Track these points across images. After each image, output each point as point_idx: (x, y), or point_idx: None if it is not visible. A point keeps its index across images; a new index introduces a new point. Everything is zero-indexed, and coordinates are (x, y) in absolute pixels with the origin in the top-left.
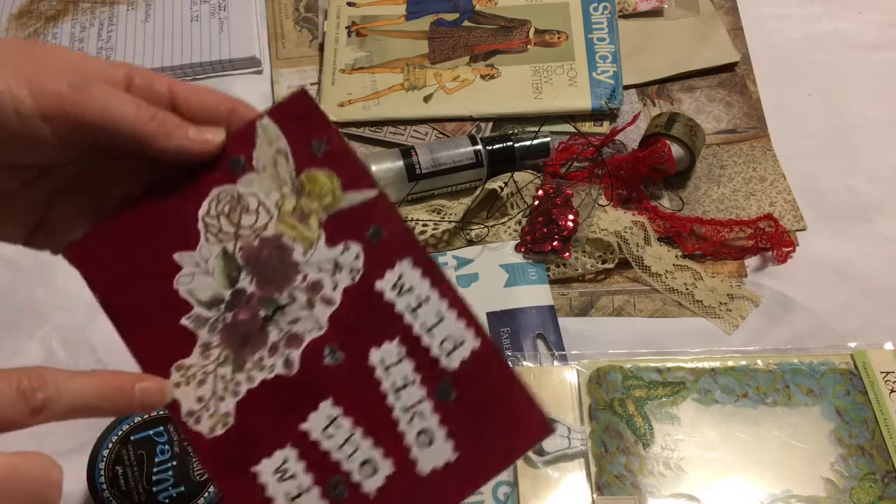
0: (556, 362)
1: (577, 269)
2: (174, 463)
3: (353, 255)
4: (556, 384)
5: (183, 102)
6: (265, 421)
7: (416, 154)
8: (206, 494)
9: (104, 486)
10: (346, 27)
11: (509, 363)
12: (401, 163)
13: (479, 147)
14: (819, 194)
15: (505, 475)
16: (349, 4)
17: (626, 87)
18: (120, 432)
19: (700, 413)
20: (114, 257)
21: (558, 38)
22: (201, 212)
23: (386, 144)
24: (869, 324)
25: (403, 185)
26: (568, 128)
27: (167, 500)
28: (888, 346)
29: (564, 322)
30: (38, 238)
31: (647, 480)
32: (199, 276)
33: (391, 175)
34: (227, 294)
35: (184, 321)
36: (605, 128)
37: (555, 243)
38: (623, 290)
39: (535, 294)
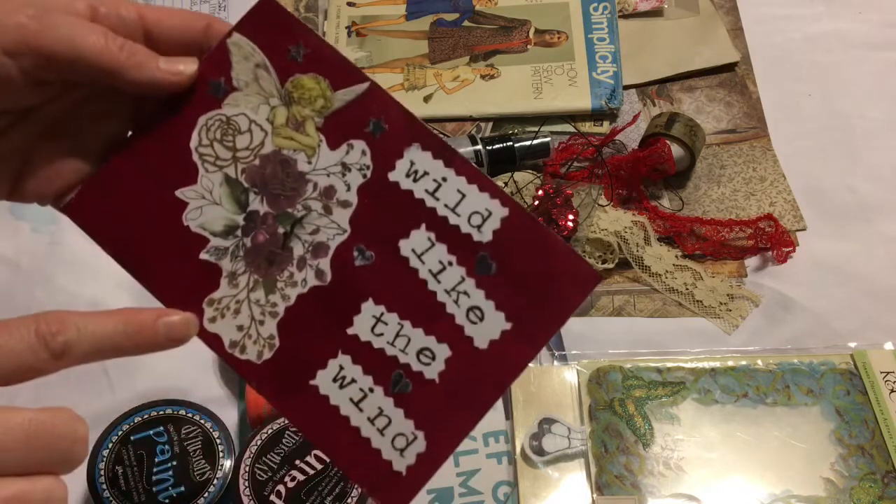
0: (556, 362)
1: None
2: (174, 463)
3: (358, 152)
4: (556, 384)
5: (154, 26)
6: (311, 334)
7: None
8: (206, 494)
9: (104, 486)
10: (346, 27)
11: (542, 223)
12: None
13: (479, 147)
14: (819, 194)
15: (505, 475)
16: (349, 4)
17: (626, 87)
18: (120, 432)
19: (700, 413)
20: (114, 208)
21: (558, 38)
22: (193, 143)
23: None
24: (869, 324)
25: None
26: (568, 128)
27: (167, 500)
28: (888, 346)
29: None
30: (23, 189)
31: (647, 480)
32: (207, 207)
33: None
34: (241, 219)
35: (203, 255)
36: (605, 128)
37: None
38: (623, 290)
39: None
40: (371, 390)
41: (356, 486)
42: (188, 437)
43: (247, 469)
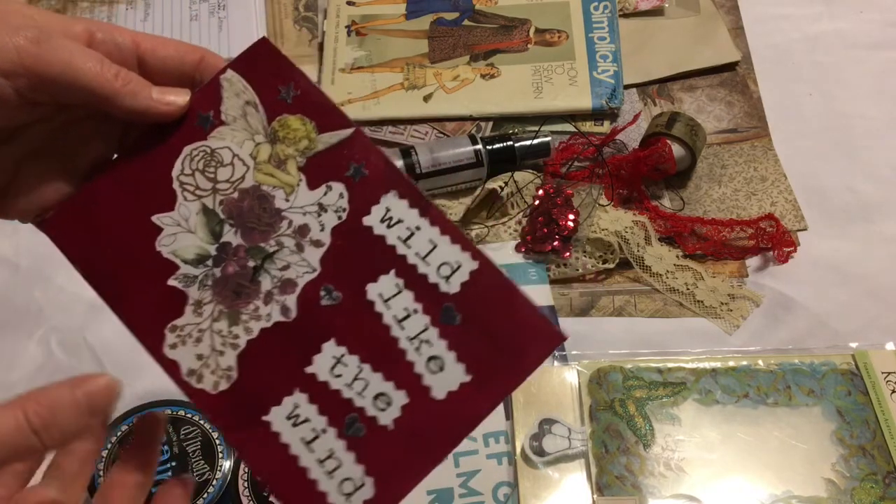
0: (556, 363)
1: (577, 269)
2: (174, 463)
3: (336, 194)
4: (557, 385)
5: (149, 55)
6: (270, 369)
7: (416, 154)
8: (205, 495)
9: None
10: (346, 26)
11: (511, 280)
12: (401, 162)
13: (480, 147)
14: (820, 194)
15: (505, 476)
16: (349, 3)
17: (627, 87)
18: (119, 432)
19: (701, 413)
20: (90, 227)
21: (559, 37)
22: (175, 172)
23: (386, 144)
24: (870, 324)
25: None
26: (568, 127)
27: None
28: (889, 346)
29: (565, 322)
30: (6, 206)
31: (647, 481)
32: (181, 235)
33: None
34: (213, 249)
35: (171, 282)
36: (606, 127)
37: (555, 243)
38: (624, 291)
39: (536, 294)
40: (324, 431)
41: None
42: (187, 438)
43: (246, 469)
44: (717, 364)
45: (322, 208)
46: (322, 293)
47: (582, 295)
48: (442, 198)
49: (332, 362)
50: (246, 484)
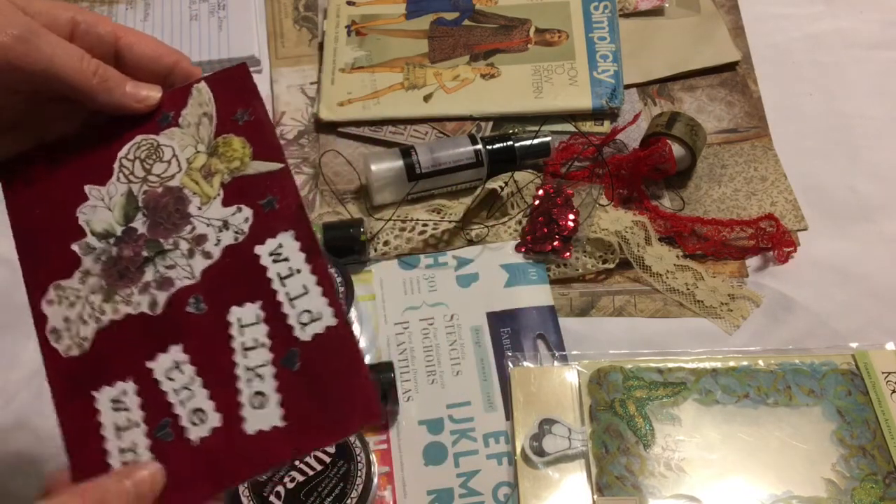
0: (556, 363)
1: (577, 269)
2: None
3: (242, 217)
4: (557, 385)
5: (127, 50)
6: (117, 352)
7: (416, 153)
8: None
9: None
10: (346, 26)
11: (360, 349)
12: (401, 162)
13: (480, 146)
14: (820, 194)
15: (505, 476)
16: (349, 3)
17: (627, 87)
18: None
19: (701, 414)
20: (32, 179)
21: (559, 37)
22: (121, 153)
23: (386, 144)
24: (870, 324)
25: (403, 185)
26: (568, 127)
27: None
28: (890, 346)
29: (565, 322)
30: None
31: (647, 481)
32: (100, 209)
33: (391, 175)
34: (120, 230)
35: (73, 246)
36: (606, 127)
37: (555, 243)
38: (624, 291)
39: (536, 294)
40: (137, 425)
41: (354, 486)
42: None
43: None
44: (718, 364)
45: (225, 225)
46: (191, 300)
47: (582, 295)
48: (442, 198)
49: (171, 365)
50: (245, 484)
